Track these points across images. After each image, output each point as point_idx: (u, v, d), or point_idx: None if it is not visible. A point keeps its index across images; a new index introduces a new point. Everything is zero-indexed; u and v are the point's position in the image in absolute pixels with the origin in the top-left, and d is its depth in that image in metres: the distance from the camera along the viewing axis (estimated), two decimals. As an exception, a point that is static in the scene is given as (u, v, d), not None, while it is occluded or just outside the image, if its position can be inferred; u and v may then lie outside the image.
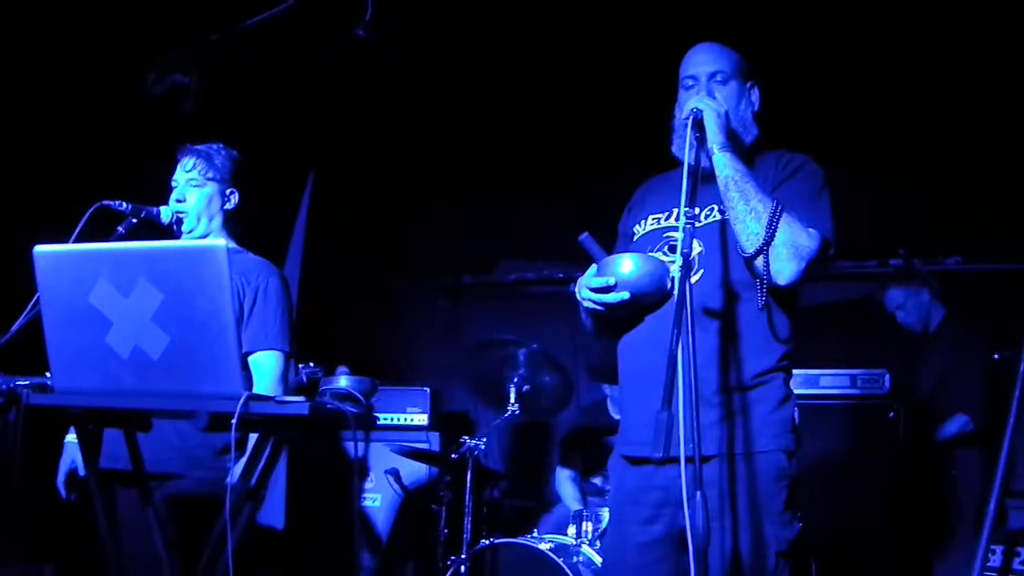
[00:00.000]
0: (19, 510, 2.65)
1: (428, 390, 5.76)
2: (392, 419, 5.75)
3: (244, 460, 3.11)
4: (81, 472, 3.28)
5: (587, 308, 2.68)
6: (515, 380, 4.72)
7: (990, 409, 4.58)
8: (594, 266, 2.63)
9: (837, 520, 4.78)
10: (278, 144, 5.52)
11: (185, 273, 2.30)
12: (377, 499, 5.79)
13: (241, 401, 2.24)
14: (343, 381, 2.58)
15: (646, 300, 2.56)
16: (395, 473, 5.62)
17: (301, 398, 2.35)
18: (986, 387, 4.64)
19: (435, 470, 5.65)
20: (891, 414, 4.79)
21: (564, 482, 5.66)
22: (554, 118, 5.72)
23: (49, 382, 2.54)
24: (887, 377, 4.98)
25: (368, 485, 5.82)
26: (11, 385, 2.53)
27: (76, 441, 3.26)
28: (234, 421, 2.23)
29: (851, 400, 5.02)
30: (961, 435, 4.63)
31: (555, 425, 6.28)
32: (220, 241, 2.27)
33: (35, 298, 2.79)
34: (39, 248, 2.45)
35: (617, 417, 5.51)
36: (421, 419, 5.74)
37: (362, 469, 5.59)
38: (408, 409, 5.79)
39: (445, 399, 6.11)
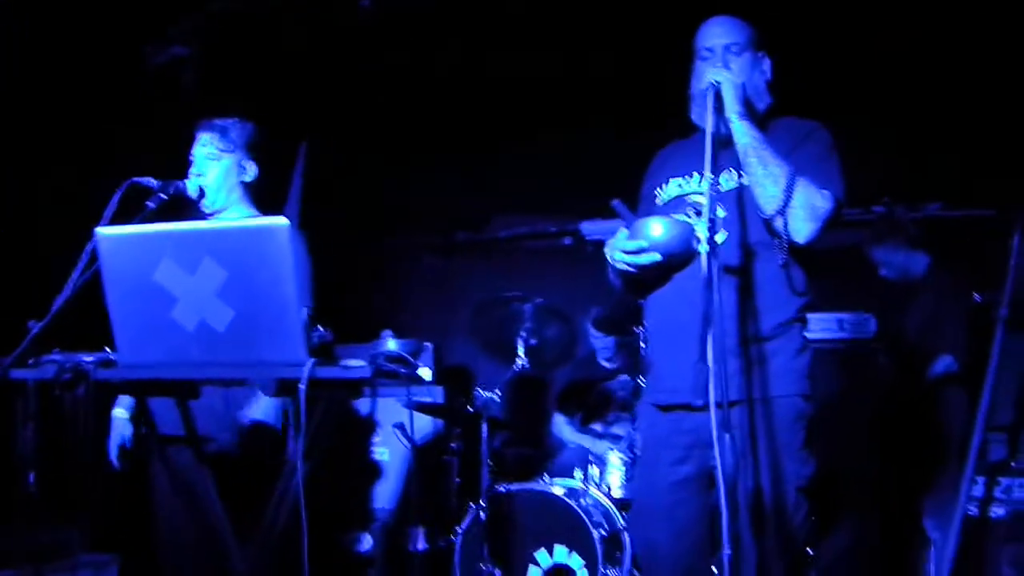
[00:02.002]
0: (91, 482, 2.79)
1: (431, 345, 5.91)
2: (396, 374, 5.89)
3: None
4: (129, 445, 3.42)
5: (619, 269, 2.84)
6: (522, 335, 4.88)
7: (973, 349, 4.77)
8: (625, 230, 2.78)
9: (826, 459, 4.98)
10: (271, 109, 5.60)
11: (249, 251, 2.44)
12: (385, 453, 5.98)
13: (308, 367, 2.40)
14: (391, 344, 2.74)
15: (675, 261, 2.73)
16: (401, 427, 5.80)
17: (362, 362, 2.51)
18: (969, 329, 4.82)
19: (440, 422, 5.84)
20: (880, 357, 5.00)
21: (561, 426, 5.89)
22: (542, 72, 5.80)
23: (112, 356, 2.67)
24: (872, 320, 5.19)
25: (376, 439, 6.00)
26: (77, 361, 2.66)
27: (124, 416, 3.42)
28: (302, 386, 2.39)
29: (838, 343, 5.21)
30: (946, 375, 4.82)
31: (551, 376, 6.48)
32: (282, 220, 2.40)
33: (72, 277, 2.93)
34: (101, 230, 2.57)
35: (608, 366, 5.75)
36: (425, 374, 5.87)
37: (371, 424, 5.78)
38: (412, 364, 5.91)
39: (444, 354, 6.27)
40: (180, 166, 3.54)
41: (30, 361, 2.74)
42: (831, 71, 5.38)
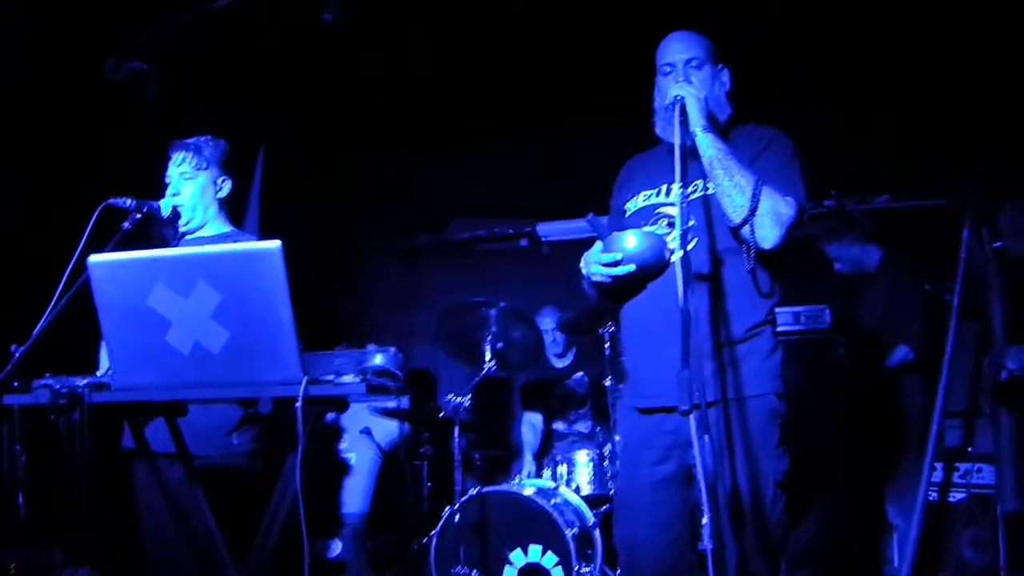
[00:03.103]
0: (88, 507, 2.83)
1: (395, 350, 5.94)
2: (361, 380, 5.95)
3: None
4: None
5: (595, 281, 2.95)
6: (489, 339, 4.96)
7: (927, 339, 4.93)
8: (599, 243, 2.89)
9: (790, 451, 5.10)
10: (230, 114, 5.60)
11: (242, 273, 2.51)
12: (352, 458, 6.03)
13: (302, 385, 2.48)
14: (379, 358, 2.83)
15: (649, 271, 2.85)
16: (369, 432, 5.87)
17: (356, 378, 2.60)
18: (924, 318, 4.98)
19: (407, 427, 5.91)
20: (840, 349, 5.15)
21: (526, 427, 6.00)
22: (497, 77, 5.86)
23: (106, 380, 2.71)
24: (827, 312, 5.33)
25: (343, 445, 6.06)
26: (71, 386, 2.70)
27: None
28: (298, 405, 2.47)
29: (796, 336, 5.35)
30: (903, 364, 4.98)
31: (512, 379, 6.57)
32: (275, 242, 2.48)
33: (53, 302, 2.97)
34: (93, 258, 2.61)
35: (557, 364, 5.87)
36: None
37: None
38: (377, 370, 5.97)
39: (407, 358, 6.32)
40: (149, 182, 3.59)
41: (15, 385, 2.77)
42: (776, 64, 5.41)
